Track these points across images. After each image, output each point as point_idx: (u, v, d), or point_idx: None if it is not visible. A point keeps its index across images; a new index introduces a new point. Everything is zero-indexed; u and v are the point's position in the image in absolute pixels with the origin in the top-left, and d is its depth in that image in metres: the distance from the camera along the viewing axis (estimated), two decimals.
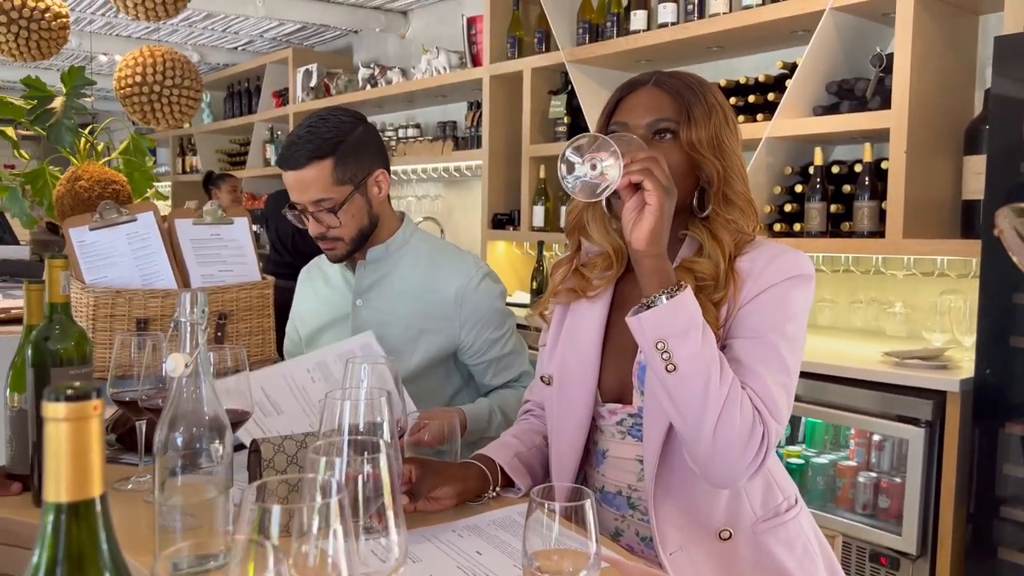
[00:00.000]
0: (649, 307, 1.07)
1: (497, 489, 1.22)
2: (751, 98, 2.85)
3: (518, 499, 1.22)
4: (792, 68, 2.78)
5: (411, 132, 4.72)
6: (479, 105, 4.09)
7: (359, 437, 0.81)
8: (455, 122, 4.50)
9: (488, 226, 3.94)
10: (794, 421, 2.63)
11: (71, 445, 0.44)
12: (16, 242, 4.86)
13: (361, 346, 1.56)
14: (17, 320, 2.43)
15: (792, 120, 2.71)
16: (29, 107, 2.21)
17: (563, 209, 3.57)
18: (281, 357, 1.90)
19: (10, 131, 2.22)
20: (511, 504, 1.21)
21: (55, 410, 0.44)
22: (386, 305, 1.69)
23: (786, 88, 2.73)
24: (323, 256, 1.88)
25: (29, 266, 3.87)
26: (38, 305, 1.28)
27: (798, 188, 2.78)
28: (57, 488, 0.44)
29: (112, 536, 0.47)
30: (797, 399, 2.31)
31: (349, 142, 1.60)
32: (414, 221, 1.81)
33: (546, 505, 0.78)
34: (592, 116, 3.33)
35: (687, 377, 1.05)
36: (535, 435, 1.33)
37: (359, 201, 1.63)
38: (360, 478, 0.67)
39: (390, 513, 0.68)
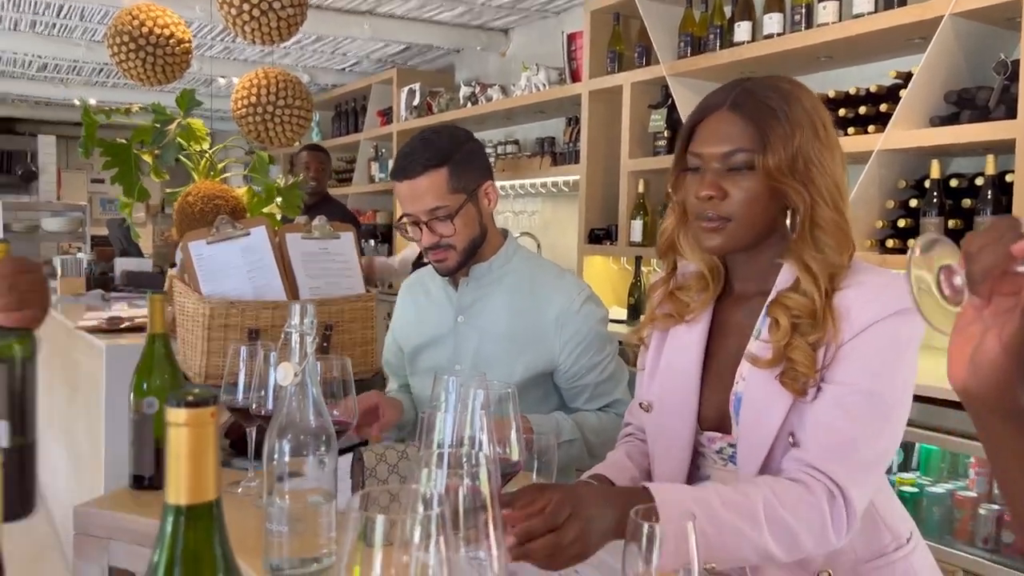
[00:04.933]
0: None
1: None
2: (862, 109, 2.74)
3: None
4: (907, 78, 2.66)
5: (510, 148, 4.77)
6: (577, 120, 4.10)
7: (461, 450, 0.81)
8: (553, 138, 4.52)
9: (585, 241, 3.93)
10: (907, 447, 2.49)
11: (190, 449, 0.46)
12: (140, 254, 5.17)
13: None
14: (141, 328, 2.58)
15: (907, 132, 2.59)
16: (155, 131, 2.37)
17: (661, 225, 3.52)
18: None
19: (147, 155, 2.37)
20: None
21: (176, 415, 0.46)
22: (487, 323, 1.70)
23: (900, 99, 2.61)
24: (425, 270, 1.92)
25: (152, 277, 4.10)
26: (161, 315, 1.36)
27: (913, 203, 2.65)
28: (177, 491, 0.46)
29: (225, 538, 0.49)
30: (911, 424, 2.19)
31: (462, 152, 1.64)
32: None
33: (646, 526, 0.77)
34: None
35: (731, 560, 1.03)
36: (645, 459, 1.31)
37: (471, 211, 1.65)
38: (461, 491, 0.67)
39: (491, 528, 0.68)
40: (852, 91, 2.83)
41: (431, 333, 1.78)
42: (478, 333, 1.70)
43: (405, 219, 1.67)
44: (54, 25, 5.12)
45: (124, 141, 2.38)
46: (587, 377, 1.68)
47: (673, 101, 3.47)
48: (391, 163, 6.78)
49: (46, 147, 8.38)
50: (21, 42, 5.39)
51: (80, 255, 4.95)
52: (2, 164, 8.41)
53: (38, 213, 7.40)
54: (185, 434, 0.46)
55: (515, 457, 1.01)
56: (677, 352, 1.24)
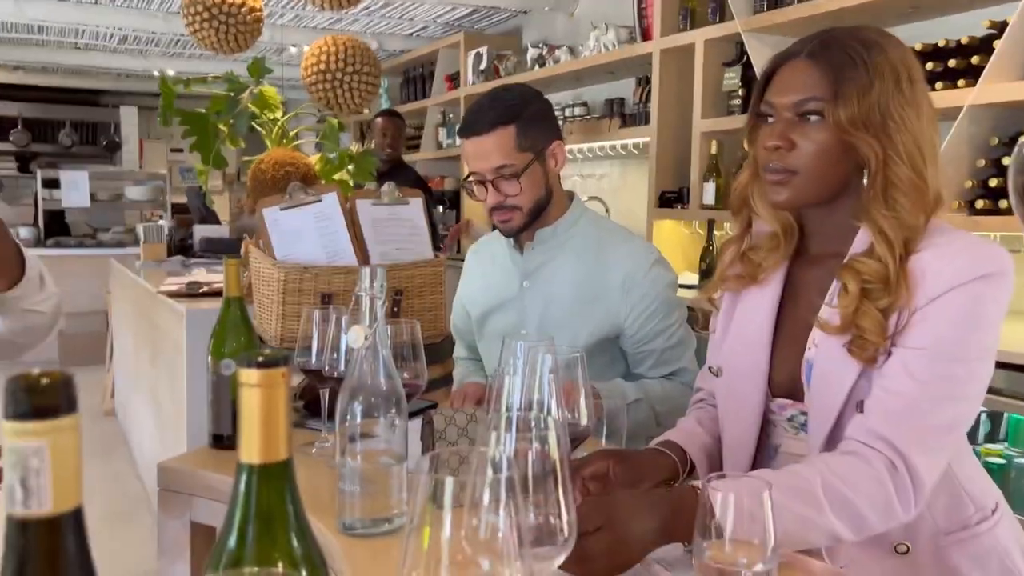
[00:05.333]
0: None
1: (682, 478, 1.18)
2: (951, 62, 2.59)
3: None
4: (1001, 28, 2.50)
5: (578, 110, 4.70)
6: (648, 80, 4.01)
7: (529, 414, 0.81)
8: (623, 99, 4.43)
9: (655, 204, 3.86)
10: (995, 417, 2.39)
11: (262, 409, 0.46)
12: (217, 221, 5.32)
13: None
14: (219, 293, 2.66)
15: (1001, 85, 2.44)
16: (228, 100, 2.41)
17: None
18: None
19: (224, 124, 2.43)
20: None
21: (248, 376, 0.46)
22: (553, 287, 1.69)
23: (993, 50, 2.46)
24: (491, 236, 1.91)
25: (230, 243, 4.22)
26: (236, 278, 1.39)
27: (1005, 160, 2.51)
28: (249, 450, 0.47)
29: (297, 497, 0.49)
30: (997, 393, 2.10)
31: (531, 111, 1.62)
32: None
33: (720, 494, 0.75)
34: None
35: (799, 547, 0.98)
36: (717, 425, 1.28)
37: (538, 170, 1.63)
38: (530, 455, 0.67)
39: (560, 492, 0.67)
40: (941, 43, 2.68)
41: (497, 298, 1.78)
42: (543, 298, 1.69)
43: (471, 178, 1.65)
44: None
45: (202, 111, 2.43)
46: (653, 343, 1.65)
47: (748, 58, 3.35)
48: (459, 127, 6.75)
49: (128, 118, 8.67)
50: (102, 15, 5.55)
51: (161, 222, 5.12)
52: (87, 135, 8.74)
53: (122, 182, 7.68)
54: (257, 394, 0.46)
55: (584, 422, 1.00)
56: (748, 315, 1.20)
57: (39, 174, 7.07)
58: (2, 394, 0.38)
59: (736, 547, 0.77)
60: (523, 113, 1.60)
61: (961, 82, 2.57)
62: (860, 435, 1.03)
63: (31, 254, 1.11)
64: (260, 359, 0.46)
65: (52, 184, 6.95)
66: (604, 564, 0.88)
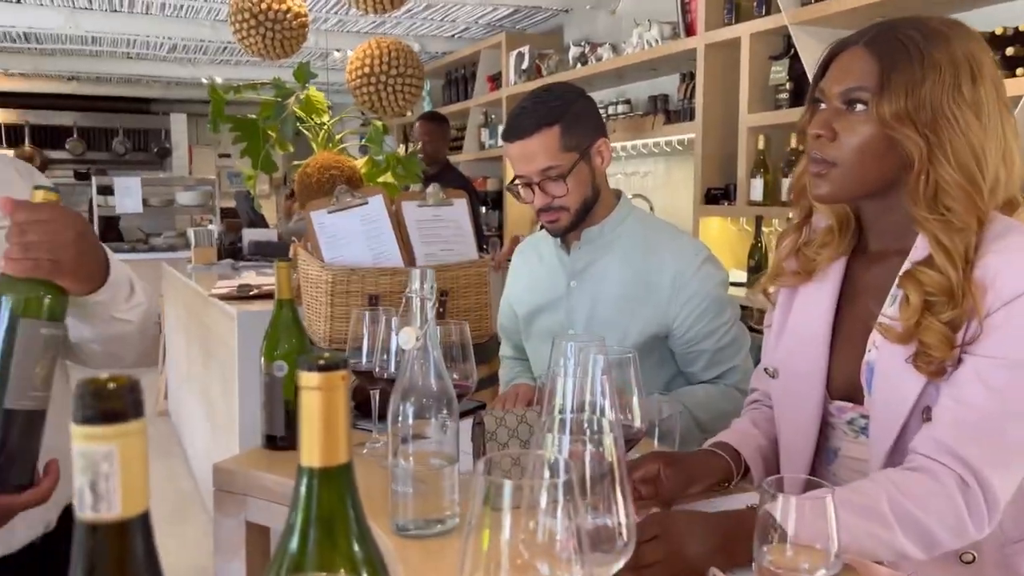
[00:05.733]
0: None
1: (736, 480, 1.17)
2: (1009, 51, 2.51)
3: (752, 488, 1.17)
4: None
5: (621, 108, 4.67)
6: (692, 76, 3.96)
7: (583, 415, 0.80)
8: (666, 95, 4.38)
9: (701, 201, 3.81)
10: None
11: (323, 412, 0.46)
12: (265, 225, 5.40)
13: None
14: (269, 295, 2.70)
15: None
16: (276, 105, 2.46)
17: (784, 182, 3.37)
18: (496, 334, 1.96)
19: (272, 129, 2.47)
20: (740, 492, 1.16)
21: (308, 379, 0.46)
22: (600, 287, 1.67)
23: None
24: (537, 235, 1.91)
25: (278, 246, 4.29)
26: (287, 281, 1.40)
27: None
28: (310, 454, 0.47)
29: (357, 500, 0.49)
30: None
31: (574, 110, 1.61)
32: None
33: (781, 498, 0.74)
34: None
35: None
36: (772, 426, 1.25)
37: (584, 170, 1.62)
38: (586, 457, 0.66)
39: (619, 495, 0.66)
40: (999, 31, 2.59)
41: (544, 298, 1.77)
42: (591, 298, 1.68)
43: (517, 181, 1.65)
44: (181, 7, 5.37)
45: (252, 117, 2.47)
46: (704, 343, 1.62)
47: (796, 51, 3.29)
48: (501, 128, 6.75)
49: (178, 125, 8.87)
50: (152, 25, 5.68)
51: (211, 227, 5.22)
52: (139, 142, 8.96)
53: (172, 188, 7.86)
54: (317, 397, 0.46)
55: (637, 424, 0.99)
56: (805, 313, 1.16)
57: (94, 181, 7.28)
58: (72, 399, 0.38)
59: (797, 552, 0.75)
60: (566, 113, 1.59)
61: (1020, 71, 2.49)
62: (928, 448, 0.98)
63: (118, 260, 1.10)
64: (320, 362, 0.46)
65: (106, 191, 7.15)
66: (660, 573, 0.87)
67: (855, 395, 1.11)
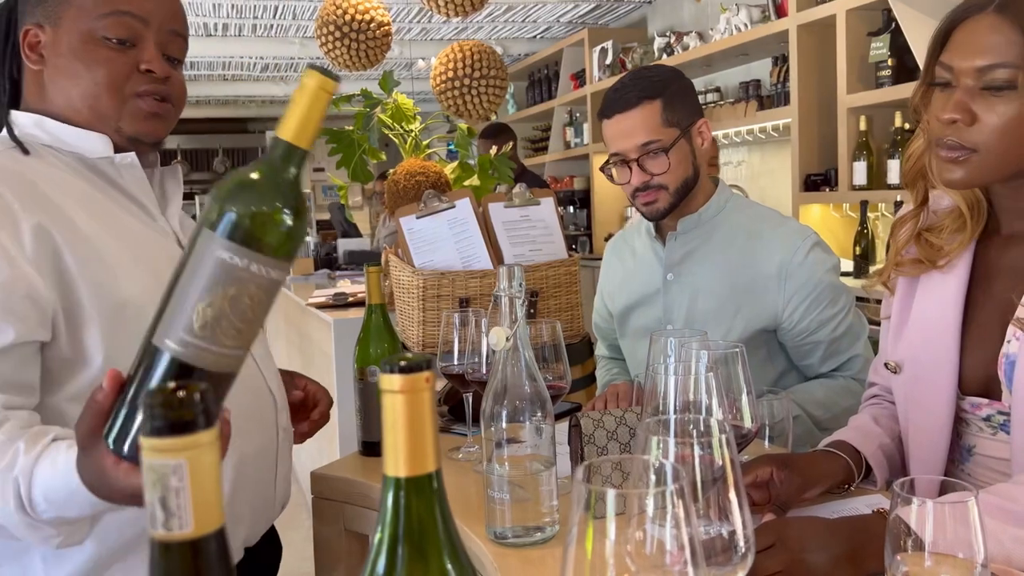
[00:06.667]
0: None
1: (856, 482, 1.08)
2: None
3: (875, 491, 1.08)
4: None
5: (711, 97, 4.53)
6: (785, 59, 3.80)
7: (688, 416, 0.74)
8: (758, 81, 4.23)
9: (800, 189, 3.65)
10: None
11: (407, 417, 0.43)
12: (359, 235, 5.51)
13: None
14: (364, 303, 2.73)
15: None
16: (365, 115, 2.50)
17: (889, 164, 3.18)
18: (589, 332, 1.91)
19: (364, 140, 2.51)
20: (862, 495, 1.07)
21: (390, 382, 0.43)
22: (699, 280, 1.59)
23: None
24: (629, 229, 1.84)
25: (372, 255, 4.36)
26: (377, 286, 1.40)
27: None
28: (396, 463, 0.43)
29: (448, 512, 0.45)
30: None
31: (674, 87, 1.55)
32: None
33: (915, 501, 0.66)
34: (924, 55, 2.91)
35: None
36: (895, 423, 1.15)
37: (685, 147, 1.55)
38: (696, 461, 0.60)
39: (734, 501, 0.60)
40: None
41: (639, 293, 1.70)
42: (689, 291, 1.60)
43: (613, 160, 1.58)
44: (271, 26, 5.55)
45: (348, 128, 2.51)
46: (818, 333, 1.52)
47: (897, 25, 3.11)
48: (586, 127, 6.61)
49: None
50: (244, 46, 5.90)
51: (308, 239, 5.37)
52: (238, 161, 9.34)
53: None
54: (400, 401, 0.43)
55: (747, 424, 0.92)
56: (931, 304, 1.06)
57: (197, 200, 7.61)
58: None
59: (937, 561, 0.68)
60: (667, 89, 1.53)
61: None
62: None
63: None
64: (402, 363, 0.42)
65: None
66: None
67: (991, 389, 1.01)
